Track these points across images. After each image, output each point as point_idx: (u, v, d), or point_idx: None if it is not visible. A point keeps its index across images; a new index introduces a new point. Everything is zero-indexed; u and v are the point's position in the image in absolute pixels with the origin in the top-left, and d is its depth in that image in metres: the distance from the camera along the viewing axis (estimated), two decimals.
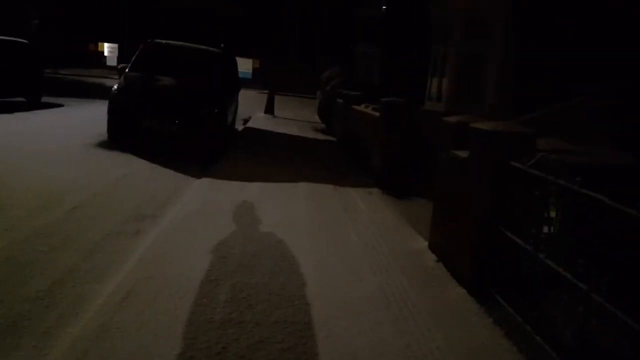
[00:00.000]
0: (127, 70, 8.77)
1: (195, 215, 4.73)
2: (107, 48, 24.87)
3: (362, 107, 9.27)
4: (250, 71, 27.26)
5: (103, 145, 8.03)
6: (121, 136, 8.22)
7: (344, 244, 4.35)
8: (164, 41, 9.63)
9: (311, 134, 13.03)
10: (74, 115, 11.50)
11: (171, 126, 7.92)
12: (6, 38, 12.78)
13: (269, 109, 16.99)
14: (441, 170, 4.17)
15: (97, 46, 25.54)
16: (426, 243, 4.38)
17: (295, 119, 16.50)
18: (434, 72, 11.34)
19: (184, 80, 8.47)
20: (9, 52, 12.10)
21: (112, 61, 25.12)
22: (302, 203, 5.62)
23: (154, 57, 9.15)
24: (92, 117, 11.29)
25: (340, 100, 11.80)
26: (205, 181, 6.28)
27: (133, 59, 9.00)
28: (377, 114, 7.59)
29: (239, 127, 12.66)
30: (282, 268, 3.65)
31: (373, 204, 5.86)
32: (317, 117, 16.32)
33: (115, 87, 8.21)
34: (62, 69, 24.03)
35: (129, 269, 3.39)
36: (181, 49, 9.56)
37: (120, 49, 24.59)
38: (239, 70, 11.14)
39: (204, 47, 9.86)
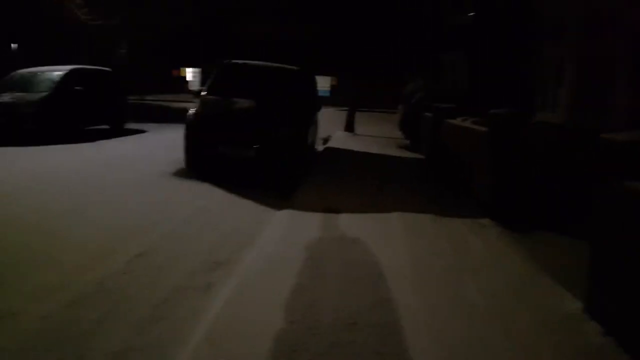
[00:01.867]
0: (203, 93, 8.32)
1: (275, 262, 3.91)
2: (189, 73, 25.49)
3: (458, 121, 8.16)
4: (329, 89, 26.78)
5: (180, 173, 7.58)
6: (198, 163, 7.75)
7: (464, 304, 3.32)
8: (240, 61, 9.13)
9: (395, 152, 12.05)
10: (155, 142, 11.35)
11: (248, 152, 7.30)
12: (91, 67, 13.05)
13: (349, 127, 16.25)
14: (610, 206, 3.03)
15: (179, 71, 26.27)
16: (581, 304, 3.23)
17: (376, 135, 15.60)
18: (545, 78, 9.92)
19: (262, 102, 7.87)
20: (93, 81, 12.28)
21: (194, 85, 25.72)
22: (399, 241, 4.64)
23: (230, 78, 8.67)
24: (172, 143, 11.04)
25: (429, 114, 10.73)
26: (286, 214, 5.50)
27: (209, 81, 8.56)
28: (482, 128, 6.48)
29: (319, 147, 11.95)
30: (390, 349, 2.69)
31: (489, 242, 4.75)
32: (399, 132, 15.31)
33: (192, 112, 7.75)
34: (147, 94, 24.92)
35: (192, 348, 2.60)
36: (258, 68, 9.01)
37: (202, 73, 25.07)
38: (318, 88, 10.44)
39: (281, 65, 9.25)
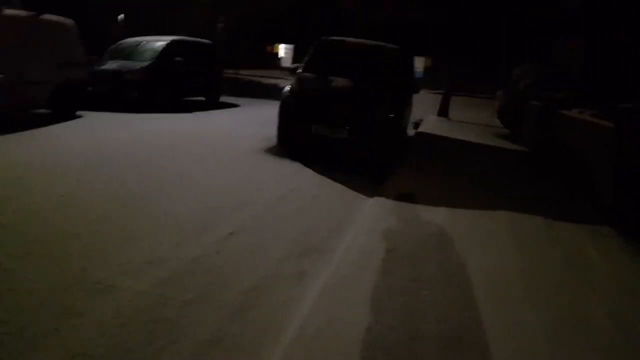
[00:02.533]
0: (299, 70, 8.15)
1: (368, 256, 3.65)
2: (282, 49, 25.63)
3: (574, 113, 7.36)
4: (422, 70, 25.81)
5: (272, 151, 7.51)
6: (290, 142, 7.65)
7: (591, 335, 2.86)
8: (338, 38, 8.83)
9: (495, 141, 11.24)
10: (248, 117, 11.44)
11: (341, 133, 7.05)
12: (191, 39, 13.35)
13: (443, 112, 15.48)
14: None
15: (272, 48, 26.51)
16: None
17: (472, 122, 14.72)
18: None
19: (358, 81, 7.57)
20: (193, 53, 12.55)
21: (286, 62, 25.89)
22: (505, 246, 4.18)
23: (328, 55, 8.41)
24: (264, 119, 11.09)
25: (536, 103, 9.86)
26: (379, 202, 5.20)
27: (306, 58, 8.36)
28: (605, 122, 5.75)
29: (410, 131, 11.45)
30: None
31: (613, 255, 4.16)
32: (496, 120, 14.34)
33: (287, 89, 7.61)
34: (241, 69, 25.43)
35: (284, 348, 2.42)
36: (357, 45, 8.67)
37: (295, 50, 25.14)
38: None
39: (379, 43, 8.84)
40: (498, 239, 4.33)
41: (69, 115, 8.79)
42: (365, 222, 4.56)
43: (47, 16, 8.35)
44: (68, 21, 8.81)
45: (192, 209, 4.50)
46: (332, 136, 7.13)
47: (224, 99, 14.22)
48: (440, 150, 9.15)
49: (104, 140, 7.24)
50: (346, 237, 4.16)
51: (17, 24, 7.71)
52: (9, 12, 7.64)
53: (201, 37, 14.38)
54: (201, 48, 13.29)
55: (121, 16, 22.05)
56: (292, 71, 8.59)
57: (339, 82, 7.59)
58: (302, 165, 6.75)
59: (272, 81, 23.71)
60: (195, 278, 3.15)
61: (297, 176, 6.21)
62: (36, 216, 3.96)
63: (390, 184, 6.05)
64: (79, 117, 8.98)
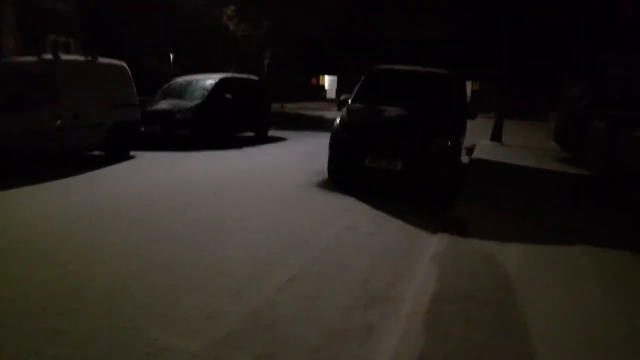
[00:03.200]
0: (349, 101, 7.95)
1: (443, 303, 3.27)
2: (327, 81, 25.75)
3: None
4: (469, 94, 25.24)
5: (323, 185, 7.27)
6: (343, 176, 7.41)
7: None
8: (388, 66, 8.62)
9: (554, 166, 10.56)
10: (295, 151, 11.32)
11: (397, 165, 6.74)
12: (239, 76, 13.53)
13: (496, 136, 14.88)
14: None
15: (318, 80, 26.70)
16: None
17: (527, 146, 14.04)
18: None
19: (412, 110, 7.30)
20: (241, 90, 12.65)
21: (331, 93, 25.94)
22: (596, 300, 3.65)
23: (378, 85, 8.20)
24: (313, 152, 10.97)
25: (600, 124, 9.22)
26: (443, 239, 4.81)
27: (356, 88, 8.16)
28: None
29: (464, 157, 10.97)
30: None
31: None
32: (553, 143, 13.63)
33: (337, 121, 7.39)
34: (287, 102, 25.69)
35: None
36: (407, 73, 8.42)
37: (339, 81, 25.22)
38: None
39: (431, 69, 8.55)
40: (585, 293, 3.81)
41: (122, 156, 8.91)
42: (432, 263, 4.19)
43: (102, 60, 8.58)
44: (120, 63, 9.04)
45: (246, 254, 4.28)
46: (386, 168, 6.83)
47: (272, 132, 14.25)
48: (498, 177, 8.64)
49: (155, 182, 7.23)
50: (413, 282, 3.80)
51: (74, 68, 7.95)
52: (66, 57, 7.89)
53: (249, 73, 14.57)
54: (249, 84, 13.43)
55: (172, 56, 22.90)
56: (341, 103, 8.40)
57: (391, 111, 7.34)
58: (357, 201, 6.46)
59: (318, 113, 23.77)
60: (255, 335, 2.88)
61: (353, 212, 5.91)
62: (85, 268, 3.83)
63: (453, 218, 5.64)
64: (132, 157, 9.10)
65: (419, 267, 4.14)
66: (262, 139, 13.15)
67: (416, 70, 8.53)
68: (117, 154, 8.83)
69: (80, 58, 8.22)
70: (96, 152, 8.88)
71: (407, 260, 4.37)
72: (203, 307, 3.18)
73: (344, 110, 7.71)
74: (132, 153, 9.34)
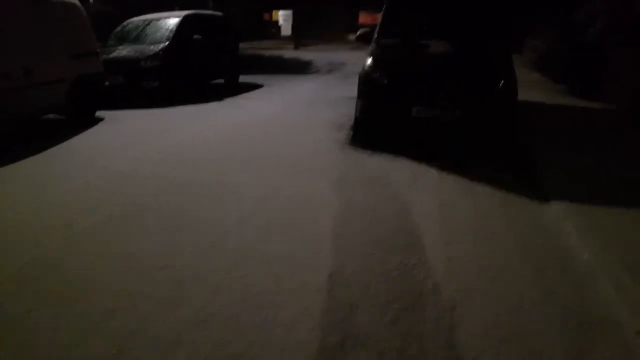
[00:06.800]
0: (377, 35, 6.51)
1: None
2: (281, 16, 23.47)
3: None
4: None
5: (357, 143, 5.97)
6: (381, 130, 6.12)
7: None
8: None
9: (568, 100, 9.73)
10: (284, 99, 9.78)
11: (453, 115, 5.53)
12: (205, 12, 11.55)
13: None
14: None
15: (271, 15, 24.35)
16: None
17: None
18: None
19: (460, 45, 6.02)
20: (209, 29, 10.77)
21: (286, 30, 23.78)
22: None
23: (405, 13, 6.77)
24: (306, 99, 9.55)
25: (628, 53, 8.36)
26: (568, 209, 3.77)
27: (381, 19, 6.71)
28: None
29: None
30: None
31: None
32: (536, 75, 12.97)
33: (369, 62, 5.97)
34: (240, 42, 23.34)
35: None
36: None
37: (295, 16, 23.03)
38: None
39: None
40: None
41: (88, 119, 7.10)
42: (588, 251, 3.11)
43: None
44: (74, 1, 7.01)
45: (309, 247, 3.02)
46: (438, 118, 5.60)
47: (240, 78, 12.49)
48: (533, 119, 7.61)
49: (149, 153, 5.65)
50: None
51: (17, 7, 5.94)
52: None
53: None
54: (216, 22, 11.47)
55: None
56: (361, 38, 6.93)
57: (435, 46, 6.02)
58: (409, 160, 5.24)
59: (277, 53, 21.80)
60: None
61: (425, 180, 4.69)
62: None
63: (550, 180, 4.59)
64: (100, 120, 7.31)
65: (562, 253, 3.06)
66: (235, 87, 11.42)
67: None
68: (81, 117, 7.01)
69: None
70: (51, 116, 7.02)
71: (543, 242, 3.27)
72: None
73: (374, 48, 6.28)
74: (97, 114, 7.54)
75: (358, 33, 7.09)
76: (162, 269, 2.95)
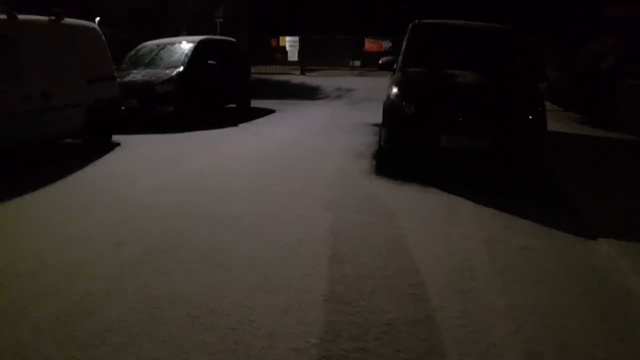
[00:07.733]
0: (401, 64, 6.42)
1: None
2: (288, 42, 23.55)
3: None
4: None
5: (382, 172, 5.80)
6: (408, 160, 5.98)
7: None
8: (435, 21, 7.12)
9: (584, 130, 9.65)
10: (299, 124, 9.69)
11: (484, 143, 5.40)
12: (218, 38, 11.55)
13: None
14: None
15: (278, 41, 24.41)
16: None
17: None
18: None
19: (487, 75, 5.96)
20: (222, 54, 10.71)
21: (293, 56, 23.81)
22: None
23: (428, 43, 6.73)
24: (321, 125, 9.45)
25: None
26: (613, 246, 3.59)
27: (404, 48, 6.63)
28: None
29: None
30: None
31: None
32: (546, 103, 12.89)
33: (394, 91, 5.85)
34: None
35: None
36: (462, 29, 6.96)
37: (302, 43, 23.12)
38: None
39: (489, 24, 7.16)
40: None
41: (104, 144, 6.93)
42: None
43: (70, 20, 6.46)
44: (91, 24, 6.94)
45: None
46: (468, 148, 5.47)
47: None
48: (557, 148, 7.47)
49: (170, 182, 5.48)
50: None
51: (37, 31, 5.83)
52: (24, 16, 5.73)
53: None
54: (229, 47, 11.44)
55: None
56: (384, 66, 6.84)
57: (465, 76, 5.93)
58: (443, 192, 5.06)
59: (283, 78, 21.82)
60: None
61: (464, 214, 4.52)
62: None
63: (589, 214, 4.44)
64: (117, 145, 7.14)
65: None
66: (247, 112, 11.32)
67: (470, 25, 7.08)
68: (98, 141, 6.85)
69: (42, 18, 6.04)
70: (68, 140, 6.86)
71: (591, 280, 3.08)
72: None
73: (399, 76, 6.17)
74: (113, 139, 7.38)
75: (380, 61, 7.00)
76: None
